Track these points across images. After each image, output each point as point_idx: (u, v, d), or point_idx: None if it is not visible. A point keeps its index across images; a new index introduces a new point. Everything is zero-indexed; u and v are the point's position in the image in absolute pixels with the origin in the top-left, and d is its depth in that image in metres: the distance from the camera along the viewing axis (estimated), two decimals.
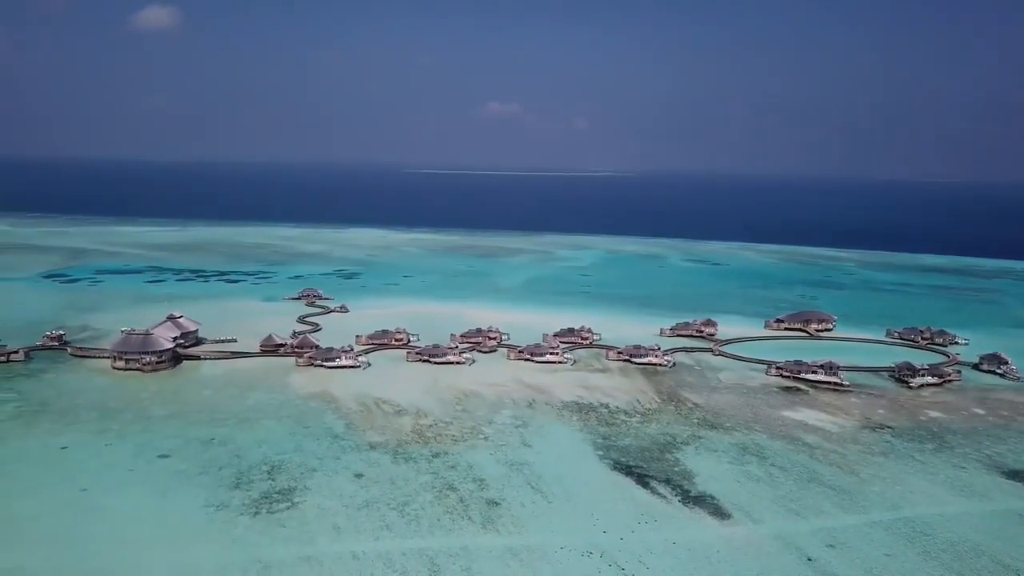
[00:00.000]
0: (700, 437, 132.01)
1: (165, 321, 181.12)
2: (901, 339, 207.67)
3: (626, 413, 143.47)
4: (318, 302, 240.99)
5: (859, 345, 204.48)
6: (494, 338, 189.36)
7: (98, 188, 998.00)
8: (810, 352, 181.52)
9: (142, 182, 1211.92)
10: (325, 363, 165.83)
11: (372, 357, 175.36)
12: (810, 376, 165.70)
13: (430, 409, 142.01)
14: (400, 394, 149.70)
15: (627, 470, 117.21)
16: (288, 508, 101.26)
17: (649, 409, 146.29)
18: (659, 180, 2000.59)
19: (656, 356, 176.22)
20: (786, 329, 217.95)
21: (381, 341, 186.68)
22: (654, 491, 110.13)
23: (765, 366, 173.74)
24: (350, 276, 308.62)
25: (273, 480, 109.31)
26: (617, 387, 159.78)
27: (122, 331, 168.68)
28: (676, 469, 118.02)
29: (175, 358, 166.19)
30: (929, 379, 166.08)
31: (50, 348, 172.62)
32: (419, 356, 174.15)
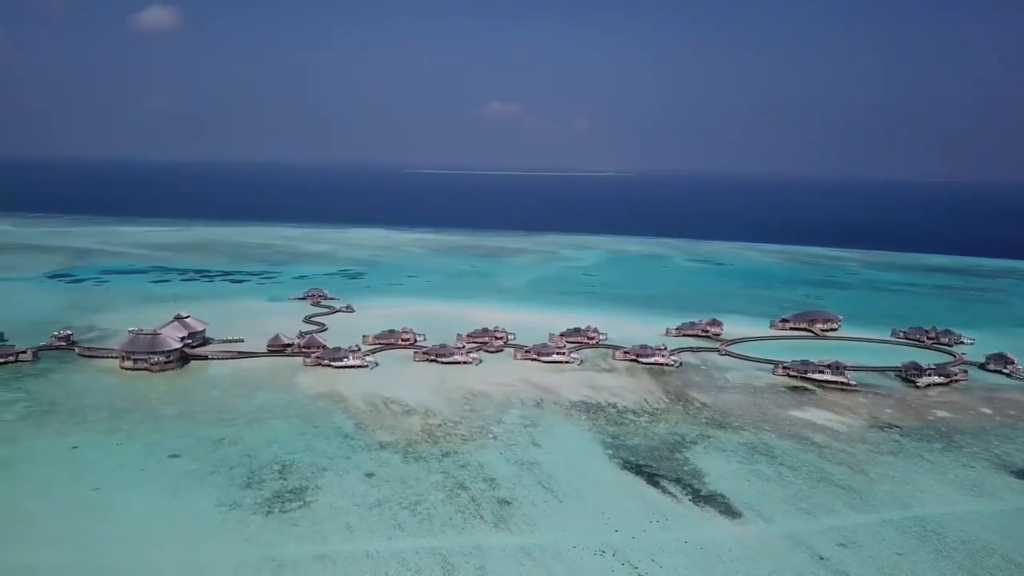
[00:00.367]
0: (709, 437, 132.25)
1: (172, 321, 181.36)
2: (907, 339, 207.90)
3: (634, 413, 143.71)
4: (324, 302, 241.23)
5: (865, 345, 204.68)
6: (500, 338, 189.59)
7: (99, 188, 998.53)
8: (816, 352, 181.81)
9: (143, 182, 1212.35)
10: (332, 363, 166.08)
11: (379, 357, 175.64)
12: (817, 376, 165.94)
13: (439, 409, 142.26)
14: (408, 394, 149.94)
15: (637, 469, 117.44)
16: (300, 507, 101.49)
17: (657, 409, 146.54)
18: (659, 180, 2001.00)
19: (663, 356, 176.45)
20: (791, 329, 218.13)
21: (388, 341, 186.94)
22: (664, 490, 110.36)
23: (772, 366, 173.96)
24: (354, 276, 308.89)
25: (284, 480, 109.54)
26: (624, 387, 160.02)
27: (129, 331, 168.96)
28: (686, 468, 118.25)
29: (183, 358, 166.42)
30: (936, 379, 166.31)
31: (58, 348, 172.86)
32: (426, 356, 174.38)
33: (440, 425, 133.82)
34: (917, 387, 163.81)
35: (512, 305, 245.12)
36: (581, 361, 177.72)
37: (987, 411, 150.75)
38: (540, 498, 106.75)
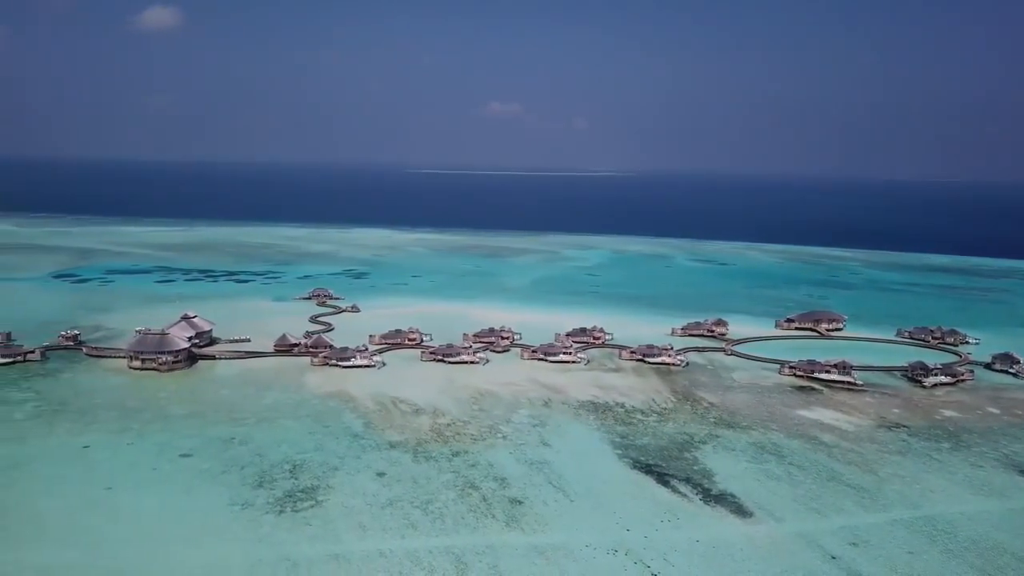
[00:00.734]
0: (717, 436, 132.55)
1: (180, 321, 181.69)
2: (912, 339, 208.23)
3: (642, 412, 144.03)
4: (329, 302, 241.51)
5: (870, 345, 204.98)
6: (507, 338, 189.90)
7: (101, 188, 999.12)
8: (821, 352, 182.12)
9: (144, 182, 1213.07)
10: (340, 363, 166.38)
11: (386, 357, 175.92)
12: (824, 376, 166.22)
13: (447, 408, 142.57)
14: (416, 393, 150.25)
15: (647, 469, 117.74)
16: (313, 507, 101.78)
17: (665, 408, 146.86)
18: (660, 180, 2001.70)
19: (669, 356, 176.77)
20: (797, 329, 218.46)
21: (395, 341, 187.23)
22: (675, 490, 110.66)
23: (778, 366, 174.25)
24: (359, 276, 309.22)
25: (296, 479, 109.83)
26: (632, 386, 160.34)
27: (137, 331, 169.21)
28: (695, 468, 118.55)
29: (191, 358, 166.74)
30: (942, 378, 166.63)
31: (65, 348, 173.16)
32: (433, 356, 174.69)
33: (449, 425, 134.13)
34: (924, 387, 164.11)
35: (517, 305, 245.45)
36: (588, 361, 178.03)
37: (994, 411, 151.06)
38: (551, 497, 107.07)
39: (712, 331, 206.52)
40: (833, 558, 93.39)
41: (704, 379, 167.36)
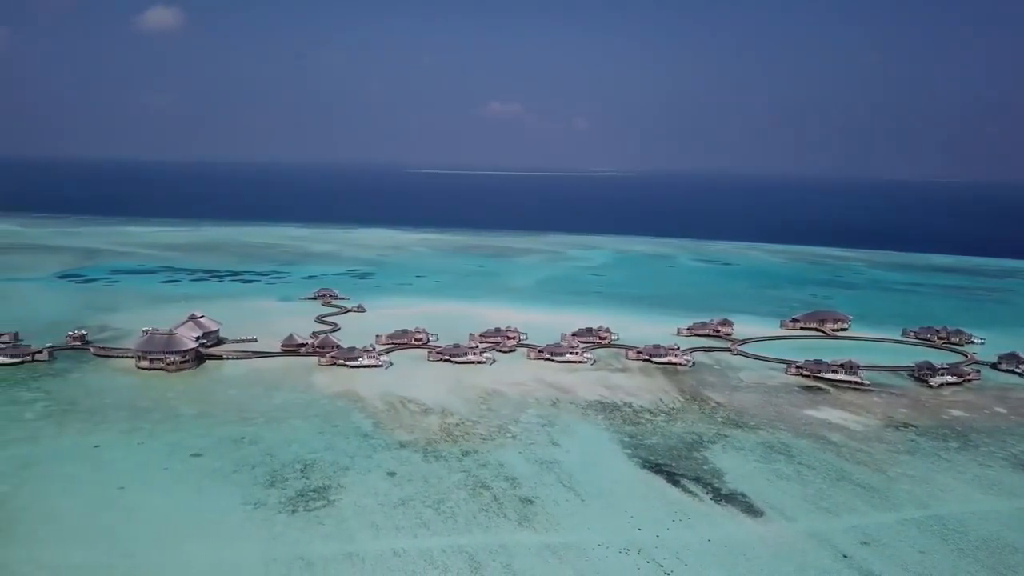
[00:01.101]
0: (726, 436, 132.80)
1: (187, 321, 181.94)
2: (918, 338, 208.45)
3: (650, 412, 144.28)
4: (335, 302, 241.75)
5: (876, 345, 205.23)
6: (513, 338, 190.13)
7: (102, 188, 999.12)
8: (827, 352, 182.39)
9: (145, 182, 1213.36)
10: (347, 363, 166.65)
11: (393, 357, 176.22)
12: (830, 375, 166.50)
13: (456, 408, 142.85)
14: (425, 393, 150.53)
15: (656, 468, 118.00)
16: (325, 506, 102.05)
17: (673, 408, 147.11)
18: (660, 180, 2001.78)
19: (676, 356, 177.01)
20: (802, 328, 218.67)
21: (401, 341, 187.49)
22: (685, 489, 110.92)
23: (785, 365, 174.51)
24: (363, 276, 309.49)
25: (307, 478, 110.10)
26: (639, 386, 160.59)
27: (144, 331, 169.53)
28: (705, 467, 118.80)
29: (198, 358, 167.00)
30: (949, 378, 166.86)
31: (73, 348, 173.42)
32: (440, 356, 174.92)
33: (458, 424, 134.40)
34: (930, 387, 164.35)
35: (522, 305, 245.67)
36: (594, 361, 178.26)
37: (1001, 410, 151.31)
38: (562, 497, 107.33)
39: (718, 331, 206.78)
40: (845, 557, 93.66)
41: (711, 379, 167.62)
